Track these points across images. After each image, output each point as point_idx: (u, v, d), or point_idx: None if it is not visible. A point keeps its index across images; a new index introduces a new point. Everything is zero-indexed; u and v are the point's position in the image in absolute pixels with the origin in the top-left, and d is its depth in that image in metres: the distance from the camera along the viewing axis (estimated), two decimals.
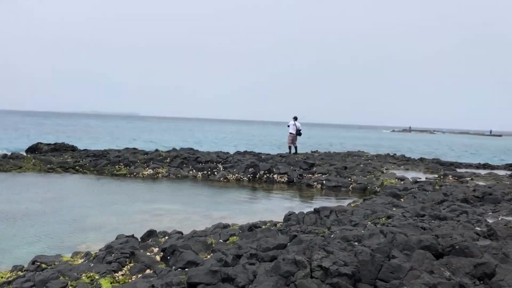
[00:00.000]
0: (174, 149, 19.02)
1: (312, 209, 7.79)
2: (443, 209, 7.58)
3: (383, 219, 6.60)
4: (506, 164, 22.64)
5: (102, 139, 43.31)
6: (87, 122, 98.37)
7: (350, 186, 13.59)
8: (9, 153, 17.60)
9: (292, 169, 15.06)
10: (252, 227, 6.19)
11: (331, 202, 11.43)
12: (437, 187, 10.82)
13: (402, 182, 13.31)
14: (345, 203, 11.31)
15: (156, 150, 17.87)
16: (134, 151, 17.33)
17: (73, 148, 19.81)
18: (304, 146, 41.97)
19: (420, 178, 15.18)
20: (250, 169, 15.00)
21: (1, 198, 10.54)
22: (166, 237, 6.43)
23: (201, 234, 6.32)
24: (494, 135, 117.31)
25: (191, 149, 18.45)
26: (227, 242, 6.00)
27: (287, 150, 22.94)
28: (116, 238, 6.38)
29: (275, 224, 6.80)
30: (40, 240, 7.45)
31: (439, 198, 8.66)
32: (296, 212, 7.50)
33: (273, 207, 10.62)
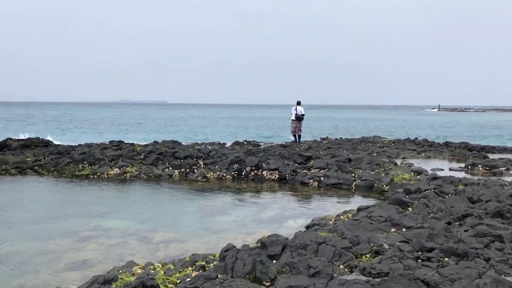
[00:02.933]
0: (155, 142, 17.01)
1: (306, 225, 5.65)
2: (465, 231, 5.29)
3: (366, 258, 4.40)
4: None
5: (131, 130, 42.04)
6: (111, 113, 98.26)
7: (353, 184, 11.32)
8: None
9: (285, 164, 12.85)
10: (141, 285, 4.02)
11: (324, 208, 9.24)
12: (460, 187, 8.46)
13: (417, 178, 10.97)
14: (342, 208, 9.15)
15: (132, 144, 15.86)
16: (106, 145, 15.35)
17: (47, 144, 17.98)
18: (321, 131, 39.70)
19: (442, 170, 12.84)
20: (235, 165, 12.86)
21: None
22: None
23: None
24: None
25: (174, 141, 16.41)
26: None
27: (292, 138, 20.85)
28: None
29: (203, 267, 4.66)
30: None
31: (461, 209, 6.35)
32: (265, 235, 5.37)
33: (246, 219, 8.51)
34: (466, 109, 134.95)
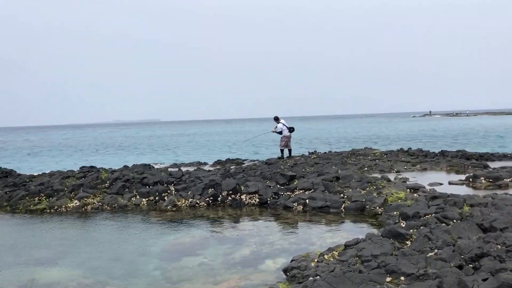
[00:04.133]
0: (125, 167, 15.68)
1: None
2: (484, 280, 4.05)
3: None
4: None
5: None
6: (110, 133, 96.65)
7: (342, 206, 10.07)
8: None
9: (266, 186, 11.59)
10: None
11: (309, 241, 7.97)
12: (466, 209, 7.24)
13: (414, 196, 9.76)
14: (328, 239, 7.90)
15: (98, 170, 14.51)
16: (68, 174, 13.98)
17: (7, 174, 16.54)
18: (311, 143, 38.45)
19: (441, 184, 11.65)
20: (210, 190, 11.57)
21: None
22: None
23: None
24: None
25: (145, 165, 15.08)
26: None
27: (279, 154, 19.67)
28: None
29: None
30: None
31: (473, 245, 5.11)
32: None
33: (216, 261, 7.21)
34: (457, 114, 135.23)
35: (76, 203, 11.74)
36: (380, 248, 5.59)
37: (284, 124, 18.66)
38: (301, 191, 11.09)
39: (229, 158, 21.08)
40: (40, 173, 16.02)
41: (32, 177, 14.64)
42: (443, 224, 6.54)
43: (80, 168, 19.56)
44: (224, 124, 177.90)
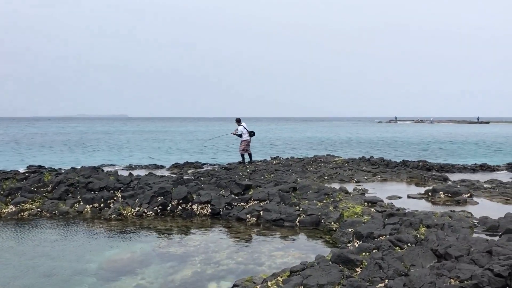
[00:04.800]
0: (72, 169, 14.78)
1: None
2: None
3: None
4: (508, 164, 19.07)
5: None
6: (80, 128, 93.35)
7: (297, 220, 9.65)
8: None
9: (219, 195, 11.04)
10: None
11: (257, 260, 7.48)
12: (422, 230, 6.92)
13: (371, 211, 9.45)
14: (278, 259, 7.43)
15: (40, 171, 13.58)
16: (7, 175, 12.99)
17: None
18: (274, 147, 38.01)
19: (399, 197, 11.44)
20: (159, 198, 10.93)
21: None
22: None
23: None
24: (481, 122, 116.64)
25: (94, 168, 14.25)
26: None
27: (240, 159, 19.18)
28: None
29: None
30: None
31: (425, 275, 4.74)
32: None
33: (154, 284, 6.62)
34: (422, 120, 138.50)
35: (11, 208, 10.85)
36: (327, 276, 5.15)
37: (245, 127, 18.18)
38: (256, 202, 10.60)
39: (187, 162, 20.39)
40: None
41: None
42: (397, 247, 6.18)
43: (27, 167, 18.54)
44: (191, 122, 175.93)
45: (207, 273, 6.95)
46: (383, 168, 17.05)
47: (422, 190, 12.66)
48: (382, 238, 6.75)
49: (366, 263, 5.48)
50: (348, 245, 7.69)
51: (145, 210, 10.67)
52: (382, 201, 10.71)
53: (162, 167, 19.48)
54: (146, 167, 19.43)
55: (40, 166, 18.13)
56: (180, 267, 7.31)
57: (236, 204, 10.61)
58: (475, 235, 7.14)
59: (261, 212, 10.05)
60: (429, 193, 11.79)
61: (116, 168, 19.28)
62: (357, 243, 7.36)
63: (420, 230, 6.95)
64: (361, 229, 7.38)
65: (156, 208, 10.71)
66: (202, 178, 13.37)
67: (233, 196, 10.98)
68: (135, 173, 16.91)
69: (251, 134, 18.30)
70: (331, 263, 5.61)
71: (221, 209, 10.55)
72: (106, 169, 18.65)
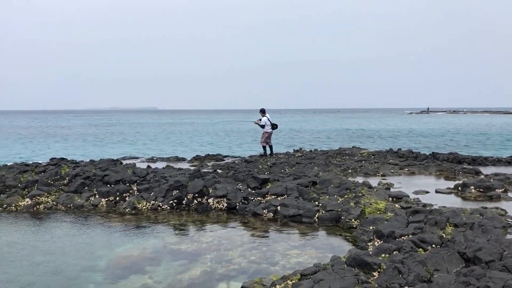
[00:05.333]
0: (91, 161, 14.72)
1: None
2: None
3: None
4: None
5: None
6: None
7: (316, 216, 9.21)
8: None
9: (236, 189, 10.69)
10: None
11: (271, 259, 7.10)
12: (448, 230, 6.39)
13: (395, 207, 8.92)
14: (293, 258, 7.05)
15: (58, 164, 13.52)
16: (25, 168, 12.99)
17: None
18: (298, 139, 37.40)
19: (427, 192, 10.83)
20: (174, 192, 10.67)
21: None
22: None
23: None
24: None
25: (112, 160, 14.12)
26: None
27: (261, 151, 18.82)
28: None
29: None
30: None
31: (449, 284, 4.26)
32: None
33: (162, 283, 6.34)
34: (455, 111, 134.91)
35: (27, 201, 10.80)
36: (340, 281, 4.72)
37: (268, 119, 17.75)
38: (273, 196, 10.21)
39: (208, 154, 20.15)
40: (1, 165, 15.02)
41: None
42: (420, 249, 5.69)
43: (50, 159, 18.66)
44: (221, 114, 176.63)
45: (217, 273, 6.62)
46: (411, 161, 16.35)
47: (451, 184, 11.99)
48: (404, 238, 6.25)
49: (385, 267, 5.02)
50: (369, 244, 7.23)
51: (160, 204, 10.43)
52: (408, 196, 10.14)
53: (183, 159, 19.30)
54: (167, 159, 19.29)
55: (62, 159, 18.19)
56: (190, 265, 7.00)
57: (252, 198, 10.24)
58: (509, 236, 6.55)
59: (278, 207, 9.65)
60: (459, 188, 11.14)
61: (138, 160, 19.22)
62: (377, 242, 6.89)
63: (447, 229, 6.41)
64: (382, 228, 6.90)
65: (171, 202, 10.46)
66: (219, 171, 13.06)
67: (249, 190, 10.62)
68: (155, 165, 16.78)
69: (274, 126, 17.85)
70: (346, 266, 5.18)
71: (237, 204, 10.21)
72: (128, 161, 18.60)
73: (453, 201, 10.12)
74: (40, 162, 16.11)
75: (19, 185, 11.53)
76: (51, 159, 18.71)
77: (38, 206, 10.75)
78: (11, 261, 7.36)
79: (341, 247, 7.59)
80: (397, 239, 6.32)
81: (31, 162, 16.06)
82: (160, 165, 17.09)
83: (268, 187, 10.71)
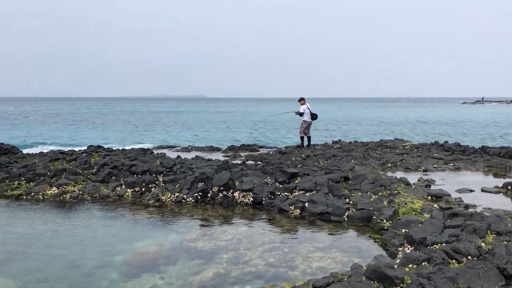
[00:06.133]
0: (122, 150, 14.69)
1: None
2: None
3: None
4: None
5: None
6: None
7: (346, 214, 8.63)
8: None
9: (263, 183, 10.25)
10: None
11: (290, 263, 6.65)
12: (489, 239, 5.68)
13: (433, 208, 8.21)
14: (316, 262, 6.57)
15: (89, 153, 13.55)
16: (58, 156, 13.09)
17: (6, 151, 15.89)
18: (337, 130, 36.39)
19: (471, 191, 9.99)
20: (199, 185, 10.37)
21: None
22: None
23: None
24: None
25: (143, 149, 14.01)
26: None
27: (299, 141, 18.29)
28: None
29: None
30: None
31: None
32: None
33: (173, 285, 6.03)
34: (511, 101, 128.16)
35: (54, 190, 10.83)
36: None
37: (308, 108, 17.11)
38: (301, 192, 9.70)
39: (243, 144, 19.81)
40: (37, 152, 15.30)
41: (20, 157, 13.86)
42: (453, 261, 5.05)
43: (87, 146, 18.92)
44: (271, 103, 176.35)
45: (231, 276, 6.23)
46: (457, 155, 15.30)
47: (500, 182, 11.02)
48: (437, 246, 5.61)
49: (409, 281, 4.44)
50: (399, 249, 6.62)
51: (184, 196, 10.17)
52: (449, 195, 9.34)
53: (218, 149, 19.05)
54: (202, 149, 19.12)
55: (99, 146, 18.40)
56: (205, 266, 6.64)
57: (279, 193, 9.77)
58: None
59: (306, 204, 9.14)
60: (509, 187, 10.20)
61: (173, 150, 19.15)
62: (408, 248, 6.27)
63: (487, 238, 5.70)
64: (413, 233, 6.26)
65: (196, 194, 10.17)
66: (250, 163, 12.66)
67: (277, 184, 10.15)
68: (190, 155, 16.60)
69: (314, 116, 17.18)
70: (364, 278, 4.64)
71: (264, 199, 9.78)
72: (163, 150, 18.58)
73: (501, 202, 9.23)
74: (76, 149, 16.30)
75: (48, 173, 11.60)
76: (88, 146, 18.98)
77: (64, 195, 10.76)
78: (30, 254, 7.27)
79: (369, 251, 7.02)
80: (429, 247, 5.68)
81: (67, 149, 16.28)
82: (194, 155, 16.92)
83: (297, 181, 10.21)
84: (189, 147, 19.92)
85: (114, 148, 17.13)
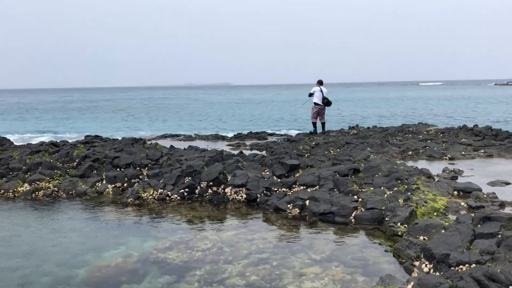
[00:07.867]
0: (115, 140, 13.54)
1: None
2: None
3: None
4: None
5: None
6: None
7: (353, 214, 7.24)
8: None
9: (258, 177, 8.90)
10: None
11: (277, 280, 5.34)
12: None
13: (460, 206, 6.76)
14: (311, 279, 5.26)
15: (73, 144, 12.42)
16: (40, 147, 11.98)
17: None
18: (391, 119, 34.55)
19: (507, 183, 8.47)
20: (186, 179, 9.10)
21: None
22: None
23: None
24: None
25: (134, 139, 12.79)
26: None
27: (312, 128, 16.89)
28: None
29: None
30: None
31: None
32: None
33: None
34: None
35: (26, 187, 9.73)
36: None
37: (321, 90, 15.67)
38: (302, 187, 8.33)
39: (251, 132, 18.48)
40: (24, 144, 14.27)
41: (4, 149, 12.80)
42: None
43: (85, 136, 17.85)
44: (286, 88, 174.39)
45: None
46: (489, 140, 13.60)
47: None
48: (464, 268, 4.20)
49: None
50: (415, 263, 5.23)
51: (169, 193, 8.93)
52: (480, 189, 7.83)
53: (223, 137, 17.76)
54: (206, 137, 17.85)
55: (96, 136, 17.34)
56: (174, 285, 5.39)
57: (276, 189, 8.43)
58: None
59: (307, 202, 7.78)
60: None
61: (176, 139, 17.96)
62: (425, 265, 4.87)
63: None
64: (433, 245, 4.85)
65: (182, 191, 8.91)
66: (248, 153, 11.33)
67: (274, 178, 8.80)
68: (193, 143, 15.35)
69: (325, 101, 15.71)
70: None
71: (258, 195, 8.46)
72: (164, 140, 17.44)
73: None
74: (67, 140, 15.24)
75: (23, 167, 10.52)
76: (86, 136, 17.92)
77: (37, 192, 9.65)
78: None
79: (377, 264, 5.64)
80: (452, 268, 4.27)
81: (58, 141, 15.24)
82: (198, 144, 15.66)
83: (297, 175, 8.83)
84: (194, 135, 18.70)
85: (111, 139, 16.01)
